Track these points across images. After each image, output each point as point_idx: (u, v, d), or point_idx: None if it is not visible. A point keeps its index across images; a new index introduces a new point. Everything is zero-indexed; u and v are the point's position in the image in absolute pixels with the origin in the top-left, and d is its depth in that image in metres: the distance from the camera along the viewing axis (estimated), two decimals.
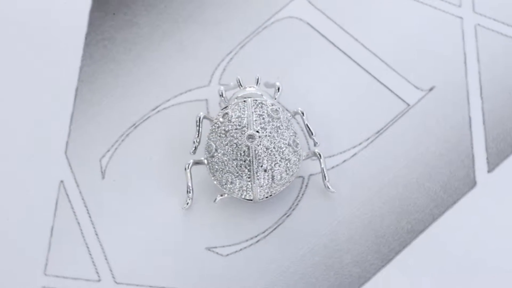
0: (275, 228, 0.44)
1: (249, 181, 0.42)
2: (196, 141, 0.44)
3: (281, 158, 0.43)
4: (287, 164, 0.43)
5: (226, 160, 0.42)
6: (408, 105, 0.46)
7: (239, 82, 0.45)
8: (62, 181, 0.45)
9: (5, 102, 0.46)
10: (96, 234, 0.44)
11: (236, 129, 0.43)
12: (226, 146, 0.42)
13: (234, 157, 0.42)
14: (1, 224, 0.44)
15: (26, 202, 0.44)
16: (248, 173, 0.42)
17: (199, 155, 0.45)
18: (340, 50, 0.47)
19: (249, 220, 0.44)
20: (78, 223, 0.44)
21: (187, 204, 0.44)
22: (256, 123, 0.43)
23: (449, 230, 0.43)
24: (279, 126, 0.43)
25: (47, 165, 0.45)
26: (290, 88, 0.46)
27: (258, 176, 0.42)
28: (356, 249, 0.43)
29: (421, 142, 0.45)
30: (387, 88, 0.46)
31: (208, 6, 0.48)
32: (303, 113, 0.44)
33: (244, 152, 0.42)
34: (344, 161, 0.45)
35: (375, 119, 0.46)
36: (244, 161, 0.42)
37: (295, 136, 0.43)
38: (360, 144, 0.45)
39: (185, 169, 0.44)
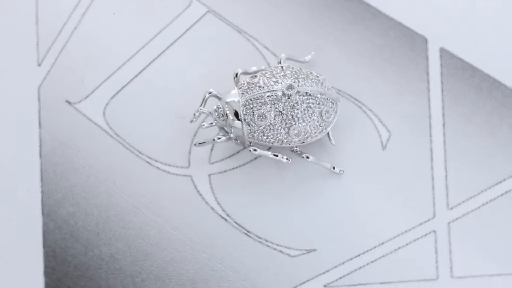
0: None
1: (332, 105, 0.43)
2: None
3: (316, 76, 0.43)
4: (321, 76, 0.43)
5: (306, 118, 0.42)
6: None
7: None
8: None
9: None
10: None
11: (274, 103, 0.42)
12: (289, 115, 0.42)
13: (305, 111, 0.42)
14: None
15: None
16: (324, 100, 0.42)
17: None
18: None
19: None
20: None
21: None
22: (272, 82, 0.42)
23: None
24: (280, 67, 0.43)
25: None
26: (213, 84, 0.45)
27: (329, 97, 0.43)
28: None
29: None
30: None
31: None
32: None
33: (301, 99, 0.42)
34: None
35: None
36: (309, 100, 0.42)
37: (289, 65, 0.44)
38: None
39: (291, 155, 0.43)
